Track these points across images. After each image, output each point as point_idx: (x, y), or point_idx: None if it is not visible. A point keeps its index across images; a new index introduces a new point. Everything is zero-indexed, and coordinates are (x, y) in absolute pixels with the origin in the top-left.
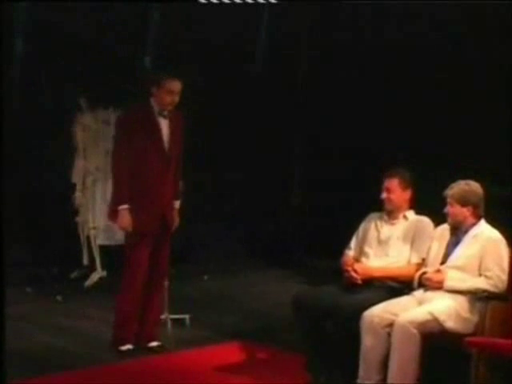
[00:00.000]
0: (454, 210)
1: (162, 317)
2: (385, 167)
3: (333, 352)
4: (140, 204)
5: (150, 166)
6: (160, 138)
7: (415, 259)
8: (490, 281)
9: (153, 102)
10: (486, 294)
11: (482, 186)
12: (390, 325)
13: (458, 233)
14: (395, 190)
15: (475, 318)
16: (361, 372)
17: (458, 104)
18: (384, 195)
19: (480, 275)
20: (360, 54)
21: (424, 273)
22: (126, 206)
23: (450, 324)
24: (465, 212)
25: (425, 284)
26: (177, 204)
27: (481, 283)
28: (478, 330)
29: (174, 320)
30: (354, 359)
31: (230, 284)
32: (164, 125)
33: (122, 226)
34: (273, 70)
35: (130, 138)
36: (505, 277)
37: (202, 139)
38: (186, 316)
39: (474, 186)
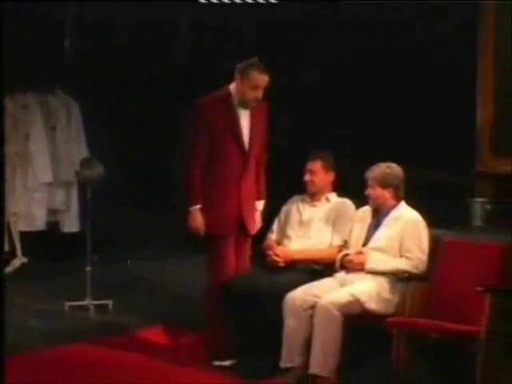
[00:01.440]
0: (374, 192)
1: (85, 302)
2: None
3: (256, 335)
4: (214, 204)
5: (227, 163)
6: (239, 132)
7: (337, 241)
8: (411, 262)
9: (233, 90)
10: (406, 274)
11: (404, 168)
12: (312, 307)
13: (378, 215)
14: (318, 173)
15: (396, 299)
16: (283, 354)
17: (384, 89)
18: (307, 177)
19: (401, 256)
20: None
21: (346, 255)
22: (197, 207)
23: (372, 305)
24: (385, 194)
25: (346, 266)
26: (260, 205)
27: (401, 264)
28: (399, 310)
29: (96, 306)
30: (276, 342)
31: (153, 269)
32: (244, 117)
33: (194, 227)
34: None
35: (206, 129)
36: (425, 258)
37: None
38: (109, 301)
39: (395, 169)
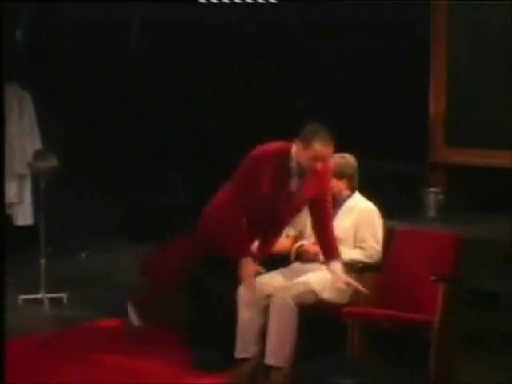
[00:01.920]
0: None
1: (39, 296)
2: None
3: (211, 327)
4: None
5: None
6: (290, 197)
7: (292, 232)
8: (365, 252)
9: (293, 154)
10: (360, 265)
11: (358, 159)
12: (267, 297)
13: (333, 206)
14: None
15: (350, 289)
16: (238, 345)
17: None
18: None
19: (355, 247)
20: None
21: (301, 245)
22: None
23: (326, 295)
24: (340, 185)
25: (301, 256)
26: (336, 266)
27: (356, 255)
28: (354, 300)
29: (51, 299)
30: (231, 333)
31: (108, 261)
32: (300, 185)
33: (247, 276)
34: None
35: (255, 185)
36: (379, 248)
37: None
38: (64, 295)
39: (349, 159)
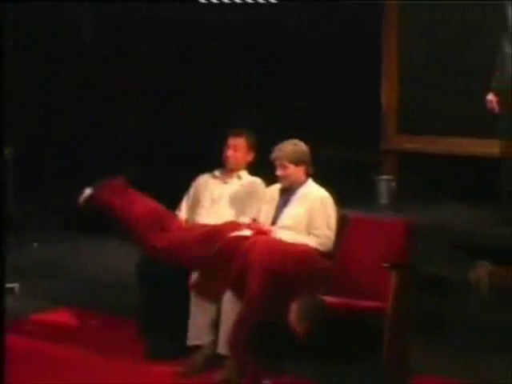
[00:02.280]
0: (288, 170)
1: None
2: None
3: (165, 315)
4: None
5: None
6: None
7: (245, 219)
8: (318, 239)
9: None
10: None
11: (309, 146)
12: None
13: (287, 193)
14: (241, 149)
15: None
16: (190, 333)
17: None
18: (229, 153)
19: (308, 234)
20: None
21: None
22: None
23: None
24: (299, 172)
25: None
26: None
27: (309, 242)
28: None
29: None
30: (186, 321)
31: (60, 251)
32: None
33: None
34: None
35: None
36: (332, 235)
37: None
38: (16, 285)
39: (303, 145)
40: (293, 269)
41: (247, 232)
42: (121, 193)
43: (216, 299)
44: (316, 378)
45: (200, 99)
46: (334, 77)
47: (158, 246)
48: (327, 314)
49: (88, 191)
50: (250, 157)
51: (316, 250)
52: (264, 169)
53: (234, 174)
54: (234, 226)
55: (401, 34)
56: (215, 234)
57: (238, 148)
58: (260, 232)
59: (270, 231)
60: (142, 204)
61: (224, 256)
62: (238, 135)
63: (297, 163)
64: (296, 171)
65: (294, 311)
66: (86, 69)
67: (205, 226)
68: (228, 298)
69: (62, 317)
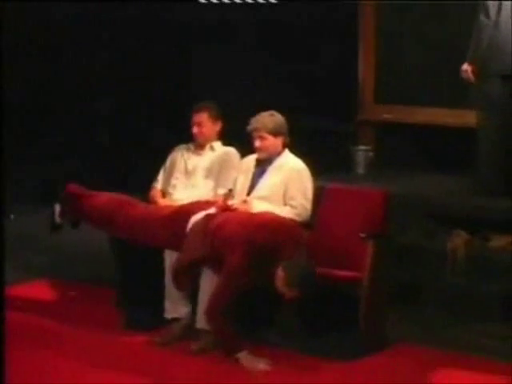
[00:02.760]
0: (267, 142)
1: None
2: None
3: (142, 286)
4: None
5: None
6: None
7: (221, 190)
8: (295, 210)
9: None
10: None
11: (286, 116)
12: None
13: (263, 164)
14: (206, 124)
15: None
16: (167, 306)
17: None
18: (195, 130)
19: (285, 205)
20: None
21: (231, 205)
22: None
23: None
24: (277, 142)
25: None
26: None
27: (285, 212)
28: None
29: None
30: (163, 293)
31: (36, 223)
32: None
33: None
34: None
35: None
36: (308, 205)
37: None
38: None
39: (280, 117)
40: (269, 237)
41: (213, 210)
42: (83, 196)
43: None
44: (294, 347)
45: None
46: (310, 47)
47: (122, 230)
48: (316, 276)
49: (58, 208)
50: (217, 127)
51: (292, 220)
52: (239, 139)
53: (207, 146)
54: (200, 205)
55: (378, 2)
56: (181, 214)
57: (202, 123)
58: (226, 210)
59: (245, 202)
60: (105, 196)
61: (195, 234)
62: (200, 110)
63: (275, 134)
64: (274, 142)
65: (280, 277)
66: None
67: (170, 206)
68: (206, 273)
69: (41, 288)
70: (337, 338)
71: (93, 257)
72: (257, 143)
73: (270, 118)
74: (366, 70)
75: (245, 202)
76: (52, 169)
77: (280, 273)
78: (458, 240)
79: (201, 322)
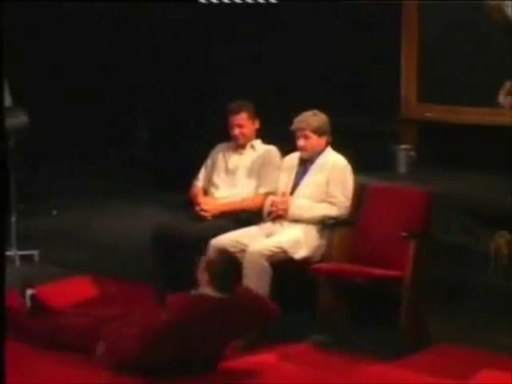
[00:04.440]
0: (311, 141)
1: (10, 253)
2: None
3: (184, 281)
4: None
5: None
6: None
7: (263, 189)
8: (334, 207)
9: None
10: (333, 221)
11: (329, 115)
12: (237, 253)
13: (306, 162)
14: (246, 124)
15: (323, 246)
16: None
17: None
18: (236, 131)
19: (325, 202)
20: None
21: (272, 202)
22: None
23: (300, 254)
24: (321, 142)
25: (271, 211)
26: None
27: (326, 210)
28: (326, 256)
29: (22, 256)
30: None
31: (78, 219)
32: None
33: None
34: None
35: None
36: (348, 203)
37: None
38: (35, 252)
39: (323, 116)
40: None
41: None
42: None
43: None
44: (336, 345)
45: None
46: (353, 46)
47: None
48: None
49: (30, 291)
50: (255, 126)
51: (331, 218)
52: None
53: (248, 145)
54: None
55: (422, 1)
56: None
57: (242, 124)
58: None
59: (284, 195)
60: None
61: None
62: (239, 111)
63: (320, 134)
64: (318, 141)
65: None
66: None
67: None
68: (249, 269)
69: (81, 284)
70: (378, 337)
71: (133, 252)
72: (301, 142)
73: (314, 117)
74: (409, 69)
75: (284, 196)
76: (93, 166)
77: None
78: (501, 240)
79: None
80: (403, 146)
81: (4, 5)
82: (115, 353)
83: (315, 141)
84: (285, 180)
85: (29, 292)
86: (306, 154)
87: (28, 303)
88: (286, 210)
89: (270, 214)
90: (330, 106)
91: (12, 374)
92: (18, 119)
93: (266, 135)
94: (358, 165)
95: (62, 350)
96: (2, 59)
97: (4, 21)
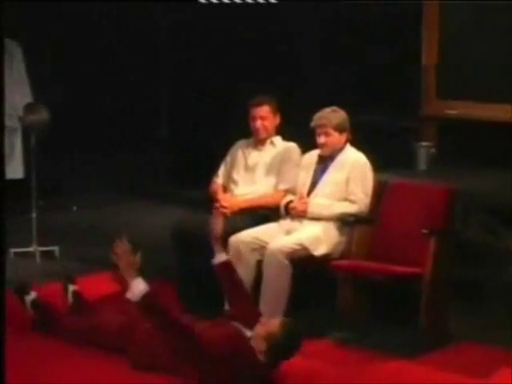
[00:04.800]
0: (332, 138)
1: (30, 249)
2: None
3: (204, 279)
4: None
5: None
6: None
7: (282, 186)
8: (354, 205)
9: None
10: (352, 218)
11: (349, 112)
12: (254, 250)
13: (325, 159)
14: (268, 117)
15: (343, 243)
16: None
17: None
18: (258, 124)
19: (345, 199)
20: None
21: (290, 202)
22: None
23: (320, 251)
24: (342, 139)
25: (291, 213)
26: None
27: (345, 208)
28: (345, 253)
29: (42, 252)
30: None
31: (99, 215)
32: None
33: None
34: None
35: None
36: (367, 200)
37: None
38: (55, 248)
39: (343, 113)
40: None
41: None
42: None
43: None
44: (356, 343)
45: None
46: (374, 43)
47: None
48: None
49: (72, 287)
50: (276, 121)
51: (351, 215)
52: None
53: (268, 141)
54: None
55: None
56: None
57: (264, 117)
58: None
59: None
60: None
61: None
62: (261, 104)
63: (340, 130)
64: (339, 139)
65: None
66: None
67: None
68: (269, 266)
69: (102, 281)
70: (398, 334)
71: (154, 249)
72: (321, 139)
73: (334, 114)
74: (429, 66)
75: (302, 199)
76: (114, 163)
77: None
78: None
79: (265, 315)
80: (424, 144)
81: (4, 5)
82: (147, 353)
83: (336, 138)
84: (303, 178)
85: (71, 288)
86: (326, 152)
87: (70, 299)
88: (305, 212)
89: (287, 213)
90: (349, 104)
91: (47, 371)
92: (38, 115)
93: (286, 133)
94: (379, 162)
95: (98, 348)
96: (1, 59)
97: (4, 21)
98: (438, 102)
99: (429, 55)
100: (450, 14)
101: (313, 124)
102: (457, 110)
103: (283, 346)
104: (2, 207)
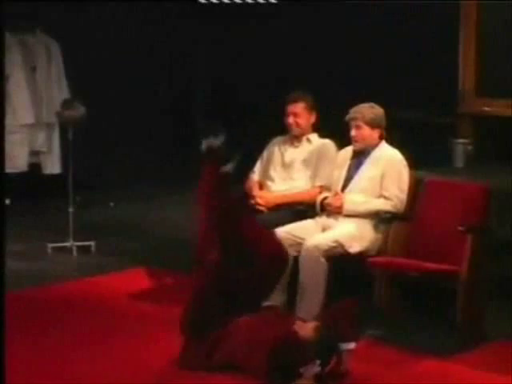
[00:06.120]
0: (363, 132)
1: (67, 244)
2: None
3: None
4: None
5: None
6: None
7: (318, 182)
8: (389, 201)
9: None
10: (388, 215)
11: (385, 108)
12: (291, 246)
13: (360, 155)
14: (302, 114)
15: (379, 240)
16: None
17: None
18: (291, 120)
19: (380, 196)
20: None
21: (325, 198)
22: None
23: (355, 248)
24: (374, 134)
25: (326, 209)
26: None
27: (380, 204)
28: (382, 250)
29: (79, 247)
30: None
31: (136, 211)
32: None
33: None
34: None
35: None
36: (403, 196)
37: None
38: (92, 243)
39: (379, 108)
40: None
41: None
42: None
43: None
44: (392, 340)
45: None
46: (412, 40)
47: None
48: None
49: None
50: (312, 118)
51: (386, 212)
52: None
53: (304, 138)
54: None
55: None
56: None
57: (298, 114)
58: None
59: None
60: None
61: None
62: (296, 101)
63: (373, 126)
64: (371, 134)
65: None
66: None
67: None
68: (305, 264)
69: (138, 276)
70: (434, 332)
71: (191, 245)
72: (353, 132)
73: (369, 109)
74: (467, 63)
75: (337, 195)
76: (151, 158)
77: None
78: None
79: (301, 312)
80: (461, 141)
81: (4, 4)
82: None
83: (367, 132)
84: (338, 173)
85: None
86: (357, 146)
87: None
88: (340, 208)
89: (323, 210)
90: (388, 100)
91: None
92: (76, 111)
93: (322, 128)
94: (415, 158)
95: None
96: (2, 58)
97: (3, 21)
98: (475, 99)
99: (467, 53)
100: (488, 11)
101: (347, 117)
102: (494, 107)
103: (315, 351)
104: (3, 207)
